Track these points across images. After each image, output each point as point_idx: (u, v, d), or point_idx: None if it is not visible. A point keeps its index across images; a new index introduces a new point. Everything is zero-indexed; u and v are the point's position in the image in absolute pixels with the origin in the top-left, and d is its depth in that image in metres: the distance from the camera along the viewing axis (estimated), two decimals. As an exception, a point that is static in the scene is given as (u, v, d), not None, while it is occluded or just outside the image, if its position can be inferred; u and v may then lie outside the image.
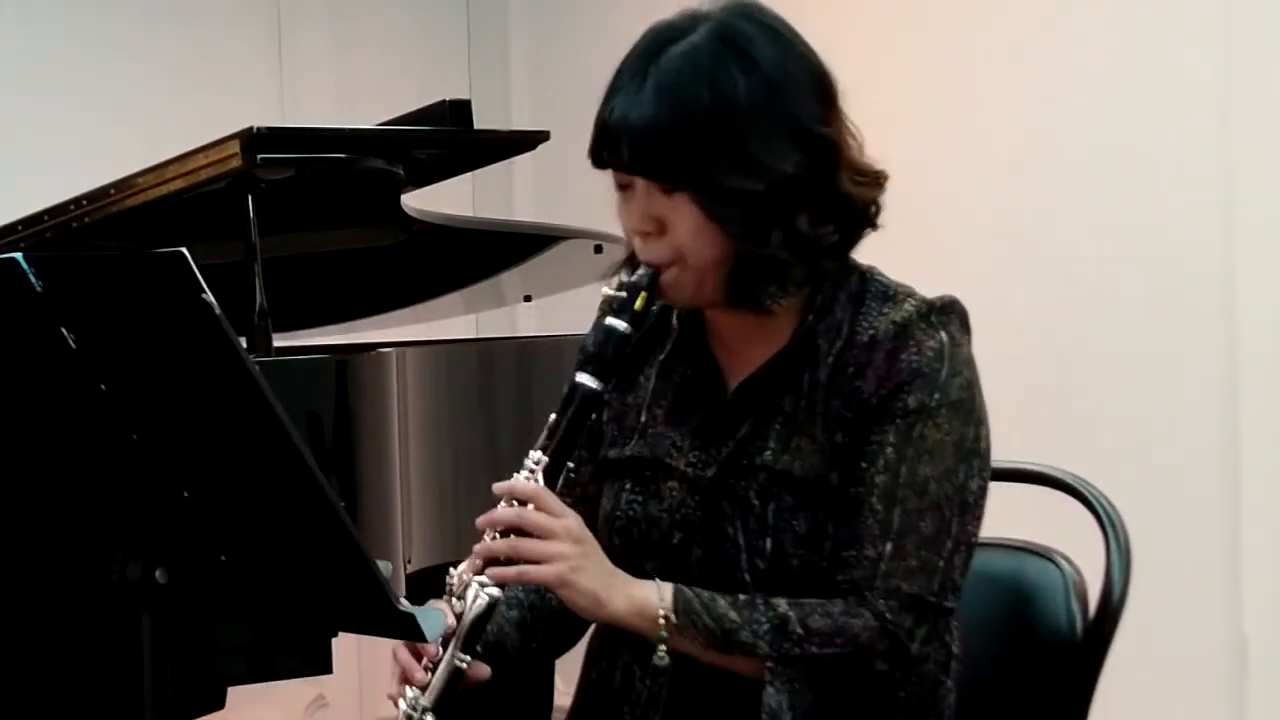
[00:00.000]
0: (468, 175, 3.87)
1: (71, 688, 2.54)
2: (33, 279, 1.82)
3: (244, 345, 1.81)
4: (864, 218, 1.94)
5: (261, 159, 2.82)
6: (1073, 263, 3.78)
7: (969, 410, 1.90)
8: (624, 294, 1.92)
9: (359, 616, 1.88)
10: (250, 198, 2.87)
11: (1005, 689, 2.13)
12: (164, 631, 1.95)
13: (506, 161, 3.93)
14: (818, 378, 1.92)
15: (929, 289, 1.97)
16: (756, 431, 1.94)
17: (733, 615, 1.87)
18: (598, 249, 3.51)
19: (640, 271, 1.93)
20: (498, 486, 1.89)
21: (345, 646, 2.73)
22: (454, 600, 1.89)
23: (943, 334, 1.91)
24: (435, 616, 1.86)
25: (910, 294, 1.95)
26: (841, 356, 1.92)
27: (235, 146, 2.81)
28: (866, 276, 1.97)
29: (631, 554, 1.96)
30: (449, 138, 3.13)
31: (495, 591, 1.87)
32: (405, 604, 1.79)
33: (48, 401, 1.95)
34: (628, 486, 2.00)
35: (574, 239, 3.60)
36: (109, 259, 1.87)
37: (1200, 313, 3.56)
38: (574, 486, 2.01)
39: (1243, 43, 3.47)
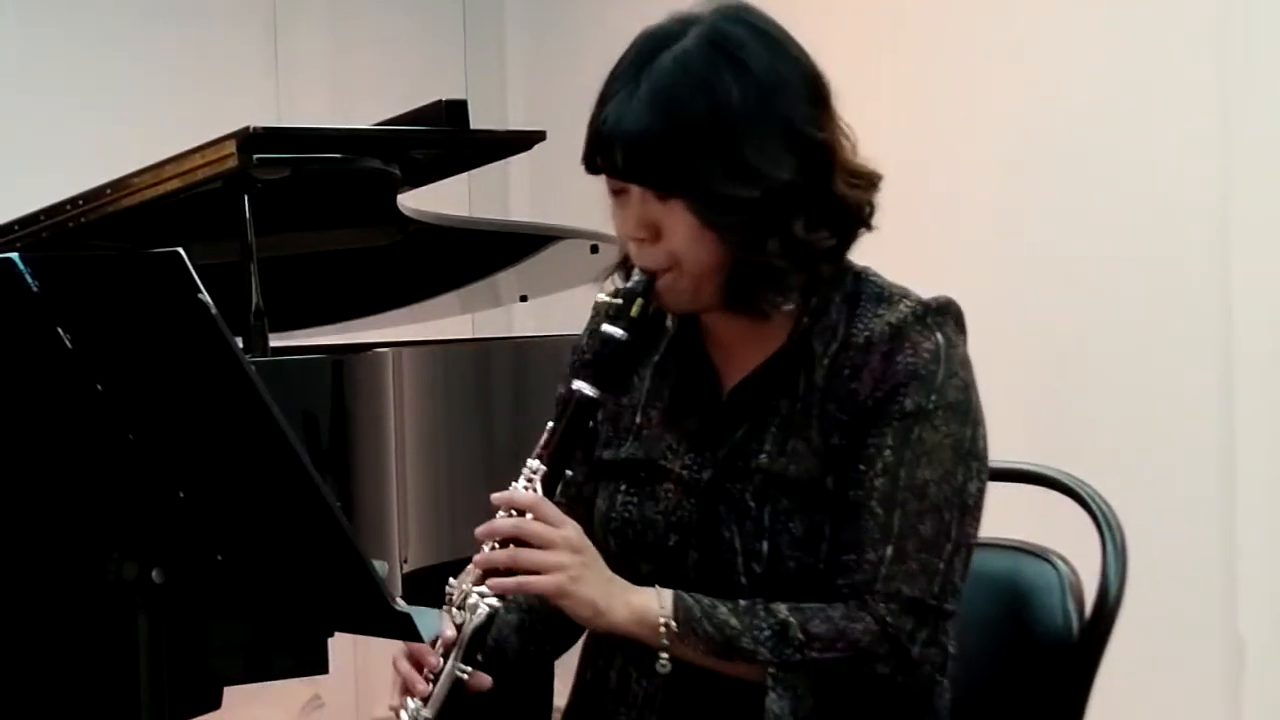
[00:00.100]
0: (464, 175, 3.87)
1: (68, 688, 2.54)
2: (29, 279, 1.81)
3: (240, 345, 1.80)
4: (859, 219, 1.93)
5: (258, 159, 2.82)
6: (1069, 263, 3.78)
7: (966, 412, 1.90)
8: (620, 301, 1.92)
9: (355, 616, 1.88)
10: (246, 197, 2.87)
11: (1001, 689, 2.13)
12: (160, 631, 1.95)
13: (503, 161, 3.94)
14: (813, 380, 1.92)
15: (925, 289, 1.97)
16: (752, 434, 1.93)
17: (733, 622, 1.86)
18: (594, 249, 3.51)
19: (636, 277, 1.92)
20: (496, 497, 1.89)
21: (341, 646, 2.73)
22: (454, 610, 1.89)
23: (938, 335, 1.91)
24: (431, 616, 1.86)
25: (905, 295, 1.95)
26: (837, 358, 1.92)
27: (231, 146, 2.81)
28: (862, 278, 1.97)
29: (627, 556, 1.96)
30: (445, 138, 3.13)
31: (495, 602, 1.87)
32: (401, 604, 1.79)
33: (44, 401, 1.94)
34: (623, 488, 2.00)
35: (570, 239, 3.60)
36: (105, 259, 1.87)
37: (1197, 314, 3.56)
38: (570, 486, 2.01)
39: (1241, 42, 3.46)
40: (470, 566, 1.89)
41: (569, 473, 1.94)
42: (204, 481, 1.88)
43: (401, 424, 3.00)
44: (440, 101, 3.08)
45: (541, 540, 1.86)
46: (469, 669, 1.88)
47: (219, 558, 1.91)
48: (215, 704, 2.63)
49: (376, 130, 3.15)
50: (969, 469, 1.89)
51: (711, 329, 2.00)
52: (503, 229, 3.78)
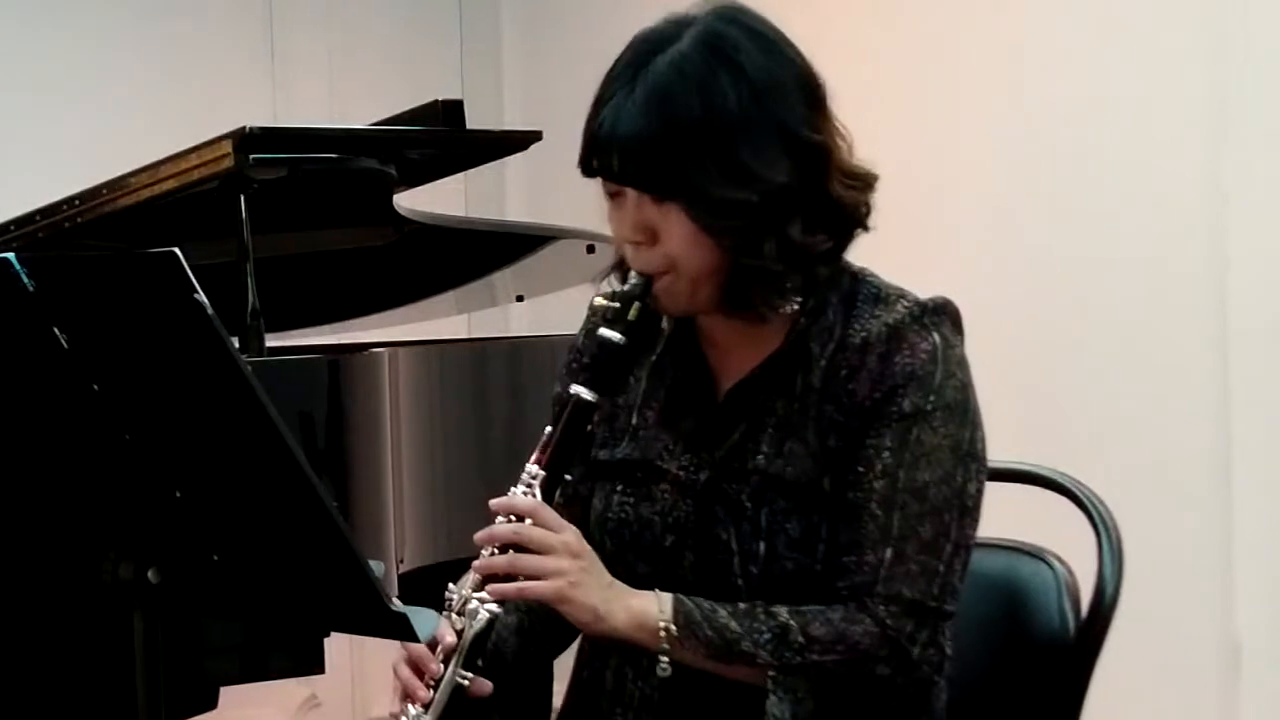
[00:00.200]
0: (460, 175, 3.87)
1: (64, 688, 2.54)
2: (25, 279, 1.81)
3: (236, 345, 1.80)
4: (855, 221, 1.93)
5: (254, 159, 2.82)
6: (1065, 264, 3.78)
7: (964, 412, 1.90)
8: (617, 304, 1.92)
9: (351, 616, 1.88)
10: (243, 197, 2.87)
11: (998, 689, 2.13)
12: (156, 631, 1.95)
13: (499, 161, 3.93)
14: (810, 381, 1.92)
15: (921, 290, 1.97)
16: (749, 435, 1.93)
17: (733, 625, 1.86)
18: (590, 249, 3.51)
19: (633, 280, 1.92)
20: (495, 502, 1.89)
21: (338, 646, 2.72)
22: (454, 616, 1.89)
23: (935, 336, 1.91)
24: (428, 616, 1.86)
25: (902, 295, 1.95)
26: (834, 359, 1.91)
27: (228, 146, 2.80)
28: (858, 278, 1.97)
29: (623, 556, 1.96)
30: (441, 138, 3.12)
31: (495, 608, 1.87)
32: (398, 604, 1.79)
33: (40, 401, 1.94)
34: (619, 489, 2.00)
35: (566, 239, 3.60)
36: (101, 259, 1.87)
37: (1193, 315, 3.56)
38: (566, 487, 2.01)
39: (1238, 43, 3.47)
40: (470, 572, 1.89)
41: (568, 477, 1.94)
42: (200, 481, 1.88)
43: (398, 424, 3.00)
44: (436, 101, 3.08)
45: (541, 545, 1.86)
46: (469, 675, 1.88)
47: (215, 558, 1.91)
48: (211, 704, 2.63)
49: (372, 130, 3.15)
50: (968, 470, 1.89)
51: (708, 330, 1.99)
52: (499, 229, 3.78)
